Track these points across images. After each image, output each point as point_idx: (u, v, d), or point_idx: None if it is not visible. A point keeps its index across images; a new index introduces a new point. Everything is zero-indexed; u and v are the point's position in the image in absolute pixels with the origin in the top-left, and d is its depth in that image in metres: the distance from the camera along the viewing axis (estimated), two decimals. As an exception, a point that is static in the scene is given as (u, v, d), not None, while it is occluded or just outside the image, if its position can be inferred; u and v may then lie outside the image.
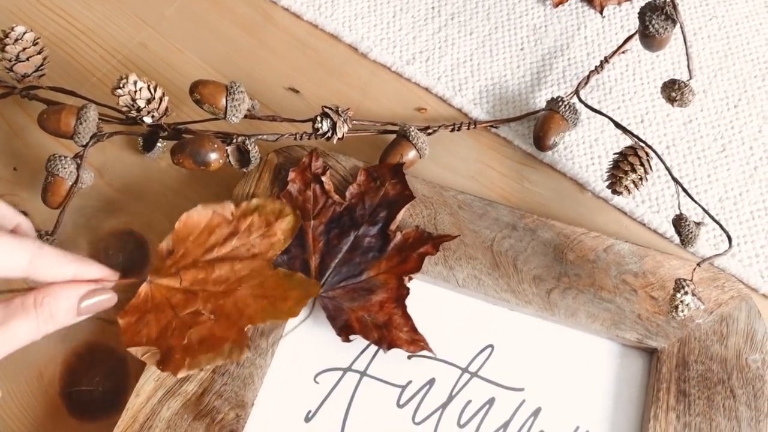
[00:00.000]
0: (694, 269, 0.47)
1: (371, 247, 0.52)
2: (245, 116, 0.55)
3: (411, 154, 0.56)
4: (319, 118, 0.53)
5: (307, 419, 0.48)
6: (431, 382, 0.49)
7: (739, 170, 0.58)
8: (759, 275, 0.54)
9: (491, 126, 0.60)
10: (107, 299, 0.44)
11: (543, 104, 0.59)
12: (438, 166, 0.58)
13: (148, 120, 0.52)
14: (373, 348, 0.50)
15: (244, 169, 0.54)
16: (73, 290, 0.42)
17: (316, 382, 0.49)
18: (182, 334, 0.46)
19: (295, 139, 0.55)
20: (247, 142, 0.53)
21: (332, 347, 0.50)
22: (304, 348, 0.50)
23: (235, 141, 0.53)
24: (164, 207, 0.57)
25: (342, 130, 0.54)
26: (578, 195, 0.58)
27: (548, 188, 0.58)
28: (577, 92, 0.58)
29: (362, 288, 0.51)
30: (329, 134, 0.54)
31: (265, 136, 0.55)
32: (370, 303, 0.50)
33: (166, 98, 0.52)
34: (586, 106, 0.57)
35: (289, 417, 0.48)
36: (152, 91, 0.51)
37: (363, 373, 0.49)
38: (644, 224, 0.56)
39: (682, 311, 0.46)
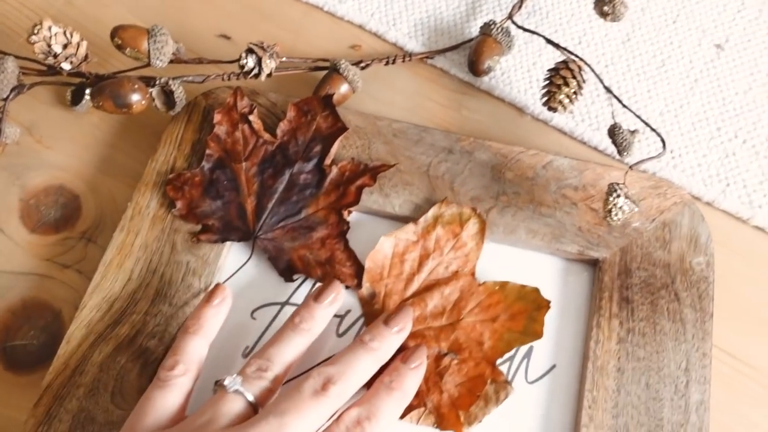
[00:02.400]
0: (626, 172, 0.46)
1: (308, 184, 0.51)
2: (171, 61, 0.53)
3: (343, 88, 0.55)
4: (244, 55, 0.52)
5: (245, 354, 0.47)
6: (372, 310, 0.48)
7: (680, 83, 0.57)
8: (702, 183, 0.53)
9: (427, 57, 0.59)
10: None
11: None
12: (375, 101, 0.57)
13: (66, 66, 0.50)
14: (310, 281, 0.49)
15: (171, 112, 0.53)
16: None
17: (253, 318, 0.48)
18: (437, 385, 0.44)
19: (223, 79, 0.54)
20: (170, 83, 0.52)
21: (270, 284, 0.49)
22: (241, 287, 0.49)
23: (158, 83, 0.52)
24: (96, 160, 0.55)
25: (269, 65, 0.52)
26: (517, 119, 0.57)
27: (487, 115, 0.57)
28: (510, 16, 0.57)
29: (302, 226, 0.50)
30: (256, 71, 0.52)
31: (190, 78, 0.53)
32: (311, 241, 0.49)
33: (84, 43, 0.51)
34: (519, 27, 0.55)
35: (227, 353, 0.46)
36: (68, 36, 0.50)
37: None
38: (584, 142, 0.55)
39: (616, 215, 0.45)
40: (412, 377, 0.42)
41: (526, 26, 0.59)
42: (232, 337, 0.47)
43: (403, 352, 0.43)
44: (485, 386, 0.44)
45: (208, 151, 0.51)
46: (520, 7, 0.58)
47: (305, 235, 0.50)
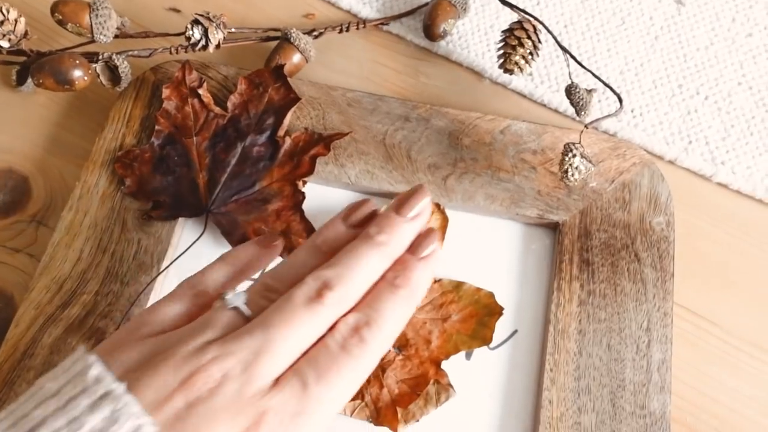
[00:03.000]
0: (582, 132, 0.45)
1: (261, 157, 0.49)
2: (117, 36, 0.52)
3: (296, 58, 0.53)
4: (189, 26, 0.50)
5: (201, 332, 0.45)
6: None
7: (640, 41, 0.56)
8: (664, 142, 0.52)
9: (382, 24, 0.57)
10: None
11: (433, -5, 0.57)
12: (330, 71, 0.56)
13: (4, 44, 0.49)
14: (267, 255, 0.48)
15: (117, 88, 0.51)
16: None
17: (210, 295, 0.46)
18: (378, 379, 0.43)
19: (171, 53, 0.52)
20: (114, 57, 0.50)
21: (224, 259, 0.48)
22: (195, 263, 0.47)
23: (101, 58, 0.50)
24: (45, 141, 0.54)
25: (216, 36, 0.51)
26: (476, 83, 0.55)
27: (445, 80, 0.56)
28: (465, -22, 0.56)
29: (256, 199, 0.49)
30: (203, 43, 0.51)
31: (136, 52, 0.52)
32: (266, 213, 0.48)
33: (23, 19, 0.49)
34: (473, -12, 0.54)
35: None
36: (5, 12, 0.48)
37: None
38: (545, 105, 0.54)
39: (573, 175, 0.44)
40: (422, 270, 0.34)
41: (483, -12, 0.58)
42: (187, 316, 0.46)
43: (411, 242, 0.35)
44: (427, 386, 0.43)
45: (157, 127, 0.49)
46: (475, -32, 0.57)
47: (260, 207, 0.48)
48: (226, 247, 0.48)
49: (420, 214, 0.35)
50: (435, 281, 0.46)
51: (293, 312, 0.31)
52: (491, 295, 0.45)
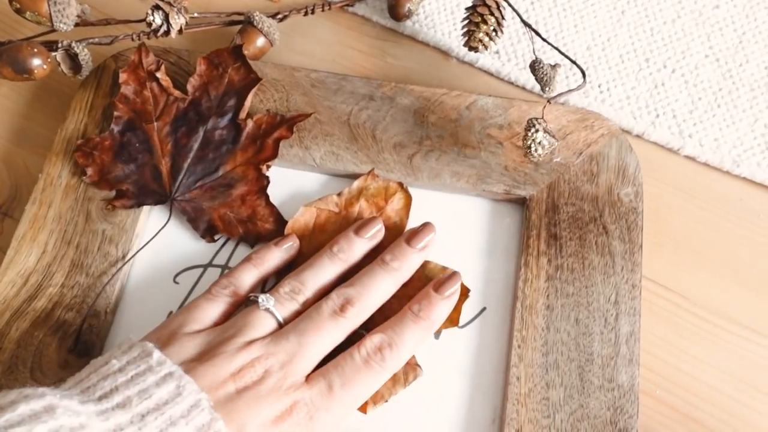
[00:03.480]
0: (545, 106, 0.45)
1: (224, 140, 0.49)
2: (78, 24, 0.51)
3: (260, 41, 0.53)
4: (150, 12, 0.50)
5: (167, 319, 0.45)
6: (298, 265, 0.47)
7: (607, 16, 0.56)
8: (631, 116, 0.52)
9: (347, 5, 0.57)
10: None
11: (398, -25, 0.56)
12: (296, 54, 0.55)
13: (-39, 34, 0.48)
14: (233, 241, 0.47)
15: (78, 76, 0.50)
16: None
17: (176, 282, 0.46)
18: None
19: (132, 39, 0.52)
20: (73, 45, 0.49)
21: (191, 247, 0.47)
22: (162, 252, 0.47)
23: (60, 46, 0.50)
24: (8, 132, 0.53)
25: (178, 21, 0.50)
26: (443, 63, 0.55)
27: (412, 60, 0.55)
28: (429, -43, 0.55)
29: (220, 184, 0.48)
30: (165, 29, 0.50)
31: (96, 40, 0.51)
32: (231, 198, 0.48)
33: (-21, 8, 0.48)
34: (437, -34, 0.54)
35: (149, 320, 0.45)
36: (-39, 1, 0.47)
37: (225, 267, 0.47)
38: (512, 83, 0.54)
39: (536, 150, 0.43)
40: (443, 307, 0.41)
41: (449, -33, 0.58)
42: (156, 302, 0.46)
43: (436, 279, 0.42)
44: None
45: (116, 113, 0.49)
46: (439, -54, 0.56)
47: (224, 193, 0.48)
48: (191, 235, 0.47)
49: (427, 245, 0.43)
50: None
51: (321, 322, 0.39)
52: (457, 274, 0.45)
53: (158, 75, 0.49)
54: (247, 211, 0.47)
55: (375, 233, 0.44)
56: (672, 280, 0.47)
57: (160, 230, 0.47)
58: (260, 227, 0.47)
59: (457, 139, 0.48)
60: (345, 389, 0.38)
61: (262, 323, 0.39)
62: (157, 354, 0.36)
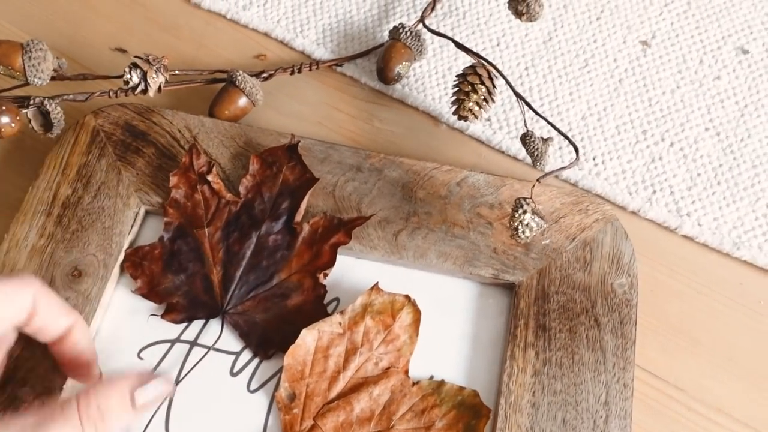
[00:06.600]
0: (533, 185, 0.43)
1: (278, 246, 0.45)
2: (54, 78, 0.49)
3: (241, 101, 0.51)
4: (127, 70, 0.48)
5: (131, 400, 0.43)
6: (269, 346, 0.44)
7: (603, 84, 0.54)
8: (626, 192, 0.50)
9: (335, 65, 0.55)
10: (165, 387, 0.36)
11: (389, 36, 0.55)
12: (281, 115, 0.53)
13: (-71, 90, 0.46)
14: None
15: (50, 134, 0.48)
16: (123, 381, 0.35)
17: (140, 358, 0.44)
18: None
19: (109, 96, 0.50)
20: (46, 102, 0.47)
21: (157, 321, 0.45)
22: (127, 325, 0.45)
23: (32, 102, 0.47)
24: (-24, 190, 0.51)
25: (156, 80, 0.48)
26: (432, 129, 0.53)
27: (400, 125, 0.53)
28: (422, 19, 0.53)
29: (275, 294, 0.45)
30: (143, 87, 0.48)
31: (71, 96, 0.49)
32: (285, 310, 0.44)
33: (-52, 64, 0.46)
34: (430, 30, 0.52)
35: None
36: (-72, 56, 0.45)
37: (193, 343, 0.44)
38: (503, 152, 0.52)
39: (524, 232, 0.41)
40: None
41: (442, 28, 0.56)
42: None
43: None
44: None
45: (166, 219, 0.46)
46: (432, 8, 0.54)
47: (279, 304, 0.44)
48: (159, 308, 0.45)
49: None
50: (414, 383, 0.42)
51: None
52: (475, 394, 0.41)
53: (209, 178, 0.46)
54: (304, 324, 0.43)
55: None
56: (666, 369, 0.45)
57: (212, 346, 0.44)
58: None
59: (446, 217, 0.46)
60: None
61: None
62: None
